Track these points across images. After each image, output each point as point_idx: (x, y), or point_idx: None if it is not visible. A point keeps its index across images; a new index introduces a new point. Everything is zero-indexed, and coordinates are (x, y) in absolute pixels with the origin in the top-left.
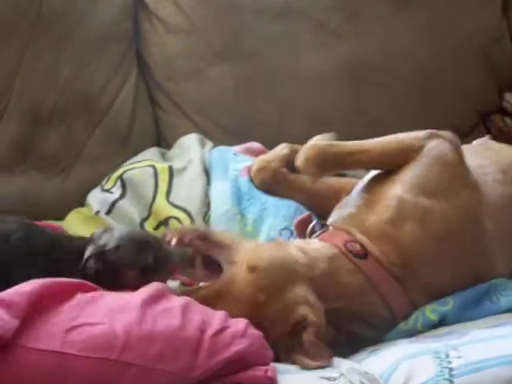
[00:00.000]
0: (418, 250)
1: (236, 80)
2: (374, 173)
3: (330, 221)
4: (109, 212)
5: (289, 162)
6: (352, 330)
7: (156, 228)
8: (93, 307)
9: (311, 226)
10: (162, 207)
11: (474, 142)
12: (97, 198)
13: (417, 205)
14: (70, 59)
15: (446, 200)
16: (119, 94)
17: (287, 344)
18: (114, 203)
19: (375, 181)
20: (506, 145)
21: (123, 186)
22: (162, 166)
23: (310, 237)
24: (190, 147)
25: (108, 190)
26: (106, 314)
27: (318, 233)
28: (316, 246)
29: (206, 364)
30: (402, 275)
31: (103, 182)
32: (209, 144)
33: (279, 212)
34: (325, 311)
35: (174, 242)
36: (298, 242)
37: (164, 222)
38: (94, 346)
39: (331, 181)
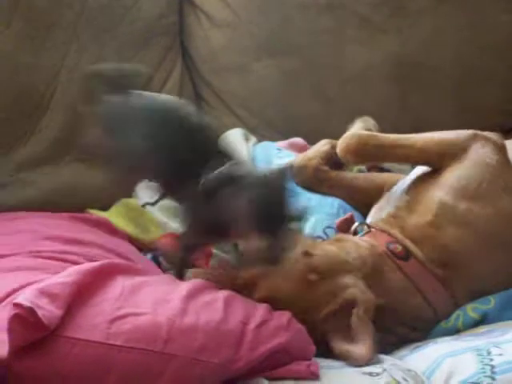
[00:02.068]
0: (459, 252)
1: (281, 74)
2: (416, 173)
3: (370, 219)
4: (155, 203)
5: (330, 159)
6: (395, 332)
7: None
8: (137, 297)
9: (354, 227)
10: None
11: None
12: (144, 189)
13: (458, 207)
14: (114, 52)
15: (488, 203)
16: (164, 87)
17: (334, 325)
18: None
19: (417, 181)
20: None
21: None
22: None
23: None
24: (235, 143)
25: None
26: (150, 304)
27: (360, 234)
28: (363, 245)
29: (248, 356)
30: (444, 276)
31: None
32: (252, 139)
33: (323, 210)
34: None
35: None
36: (349, 238)
37: None
38: (138, 337)
39: (372, 176)
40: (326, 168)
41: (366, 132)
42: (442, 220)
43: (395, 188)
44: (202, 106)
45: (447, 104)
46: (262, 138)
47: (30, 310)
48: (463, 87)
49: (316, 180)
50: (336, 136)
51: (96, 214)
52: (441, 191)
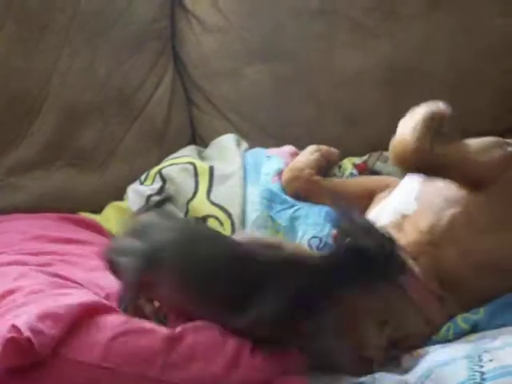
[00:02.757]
0: (457, 275)
1: (272, 79)
2: (426, 180)
3: None
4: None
5: (320, 167)
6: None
7: None
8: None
9: None
10: (202, 204)
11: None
12: (135, 192)
13: (469, 237)
14: (106, 56)
15: (501, 235)
16: (155, 92)
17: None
18: (151, 198)
19: (429, 191)
20: None
21: (163, 181)
22: (203, 166)
23: None
24: (228, 149)
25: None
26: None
27: None
28: None
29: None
30: (442, 294)
31: (142, 178)
32: (244, 145)
33: (309, 220)
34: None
35: None
36: None
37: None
38: (135, 361)
39: (363, 181)
40: (317, 178)
41: (429, 147)
42: (446, 241)
43: (400, 191)
44: (193, 111)
45: None
46: (253, 142)
47: (27, 338)
48: (456, 92)
49: (308, 191)
50: (328, 140)
51: (86, 216)
52: (457, 213)
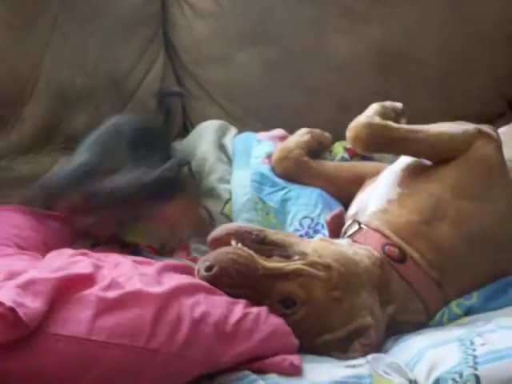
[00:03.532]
0: (453, 251)
1: (263, 64)
2: (405, 163)
3: (354, 209)
4: None
5: (311, 149)
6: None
7: None
8: (120, 292)
9: (346, 225)
10: None
11: (501, 130)
12: None
13: (455, 206)
14: (97, 41)
15: (484, 204)
16: (146, 77)
17: (332, 343)
18: None
19: (410, 172)
20: None
21: None
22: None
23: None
24: (200, 135)
25: None
26: (132, 300)
27: (350, 232)
28: (362, 251)
29: (231, 351)
30: (440, 278)
31: None
32: (233, 130)
33: (301, 200)
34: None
35: (233, 244)
36: (346, 243)
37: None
38: (122, 333)
39: (355, 165)
40: (306, 159)
41: (379, 122)
42: (436, 217)
43: (383, 179)
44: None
45: (431, 94)
46: (245, 127)
47: (11, 310)
48: (447, 77)
49: (297, 171)
50: (319, 124)
51: None
52: (439, 187)
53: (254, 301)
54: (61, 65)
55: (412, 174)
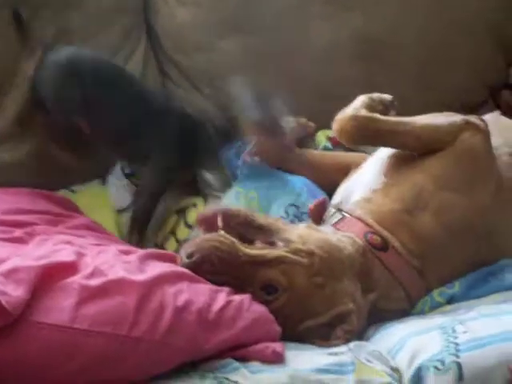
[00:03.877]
0: (434, 241)
1: (246, 52)
2: (389, 152)
3: (338, 199)
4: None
5: (296, 137)
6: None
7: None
8: (103, 280)
9: (330, 214)
10: None
11: (486, 117)
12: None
13: (437, 197)
14: (78, 29)
15: (467, 195)
16: (127, 64)
17: (319, 332)
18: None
19: (395, 162)
20: None
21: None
22: None
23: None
24: None
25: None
26: (115, 288)
27: (333, 220)
28: (345, 239)
29: (214, 339)
30: (421, 267)
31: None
32: None
33: (286, 189)
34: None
35: (220, 224)
36: (330, 230)
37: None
38: (105, 321)
39: (340, 155)
40: (292, 145)
41: (365, 114)
42: (419, 207)
43: (368, 168)
44: (167, 84)
45: (413, 81)
46: None
47: None
48: (428, 65)
49: (282, 158)
50: (301, 113)
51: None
52: (423, 177)
53: (237, 288)
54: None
55: (397, 164)
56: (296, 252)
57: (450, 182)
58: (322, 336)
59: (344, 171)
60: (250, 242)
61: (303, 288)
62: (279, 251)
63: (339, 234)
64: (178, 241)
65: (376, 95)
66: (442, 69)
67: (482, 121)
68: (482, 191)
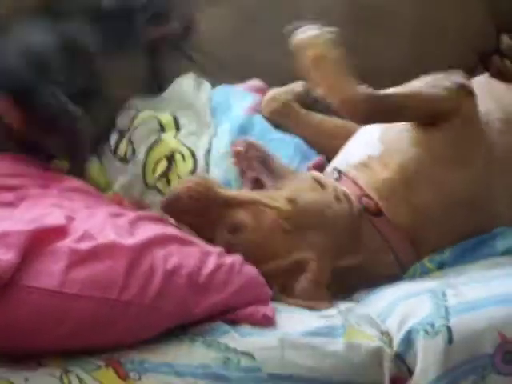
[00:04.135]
0: (428, 214)
1: (237, 17)
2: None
3: (336, 163)
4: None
5: (302, 101)
6: (358, 287)
7: (158, 161)
8: (93, 244)
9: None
10: (169, 140)
11: (476, 79)
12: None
13: (435, 170)
14: None
15: (463, 168)
16: None
17: (284, 280)
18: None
19: (392, 133)
20: (508, 85)
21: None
22: (167, 118)
23: None
24: (188, 93)
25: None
26: (105, 252)
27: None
28: (342, 198)
29: (204, 302)
30: (412, 235)
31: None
32: (206, 85)
33: (279, 152)
34: (339, 267)
35: (240, 150)
36: (332, 184)
37: (169, 157)
38: (94, 285)
39: (342, 121)
40: (295, 104)
41: (378, 92)
42: (415, 179)
43: (366, 134)
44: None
45: (403, 47)
46: (216, 81)
47: None
48: (420, 31)
49: (284, 115)
50: (294, 79)
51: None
52: (421, 149)
53: (208, 229)
54: None
55: (394, 133)
56: (274, 197)
57: (452, 158)
58: (285, 287)
59: (345, 136)
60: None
61: (268, 229)
62: (253, 194)
63: (338, 189)
64: None
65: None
66: (433, 35)
67: (468, 79)
68: (475, 162)
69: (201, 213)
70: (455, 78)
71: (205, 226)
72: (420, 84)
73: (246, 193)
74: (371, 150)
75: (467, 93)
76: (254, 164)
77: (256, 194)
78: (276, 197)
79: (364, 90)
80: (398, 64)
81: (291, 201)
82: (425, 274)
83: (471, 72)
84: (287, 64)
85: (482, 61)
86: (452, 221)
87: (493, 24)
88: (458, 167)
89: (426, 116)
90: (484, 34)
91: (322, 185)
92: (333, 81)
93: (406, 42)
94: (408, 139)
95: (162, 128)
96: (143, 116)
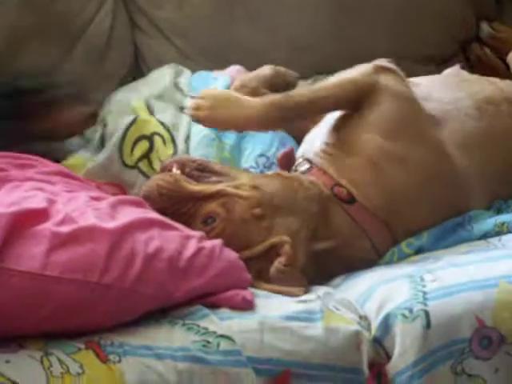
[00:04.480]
0: (399, 193)
1: (218, 3)
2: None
3: (303, 151)
4: None
5: (272, 84)
6: (335, 273)
7: (136, 141)
8: (74, 227)
9: (297, 163)
10: (148, 120)
11: (446, 72)
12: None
13: (389, 147)
14: None
15: (415, 137)
16: (97, 15)
17: (259, 266)
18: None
19: (345, 118)
20: (479, 76)
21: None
22: (139, 104)
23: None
24: (164, 79)
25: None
26: (86, 235)
27: (301, 170)
28: (309, 186)
29: (184, 286)
30: (387, 219)
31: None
32: (187, 72)
33: (256, 139)
34: (313, 251)
35: (174, 170)
36: (296, 175)
37: (149, 137)
38: (75, 268)
39: None
40: (264, 91)
41: (278, 96)
42: (378, 161)
43: (324, 122)
44: (137, 35)
45: (382, 33)
46: (198, 67)
47: None
48: (398, 17)
49: None
50: (274, 64)
51: None
52: (369, 133)
53: (184, 224)
54: (9, 4)
55: (347, 120)
56: (238, 186)
57: (395, 130)
58: (261, 272)
59: (314, 120)
60: (204, 182)
61: (240, 218)
62: (220, 186)
63: (300, 179)
64: None
65: (282, 69)
66: (413, 22)
67: (390, 62)
68: (429, 131)
69: (173, 208)
70: (375, 62)
71: (179, 219)
72: (338, 75)
73: (213, 185)
74: (328, 138)
75: (383, 69)
76: (195, 174)
77: (222, 185)
78: (239, 186)
79: (267, 99)
80: (377, 53)
81: (255, 187)
82: (402, 258)
83: (450, 60)
84: (265, 49)
85: (463, 49)
86: (424, 199)
87: (472, 11)
88: (414, 141)
89: (345, 101)
90: (464, 21)
91: (283, 176)
92: (232, 117)
93: (384, 29)
94: (356, 125)
95: (134, 112)
96: (117, 99)
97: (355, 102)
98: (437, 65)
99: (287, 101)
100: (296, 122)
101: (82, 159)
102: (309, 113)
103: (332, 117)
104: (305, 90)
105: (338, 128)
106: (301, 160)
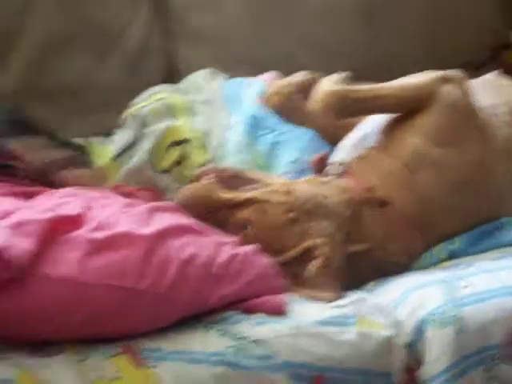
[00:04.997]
0: (433, 198)
1: (252, 10)
2: (382, 116)
3: (339, 155)
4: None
5: (306, 89)
6: (367, 276)
7: (170, 147)
8: (109, 233)
9: (330, 167)
10: (182, 127)
11: (485, 77)
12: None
13: (431, 153)
14: None
15: (459, 149)
16: (132, 22)
17: (293, 271)
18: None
19: (391, 123)
20: None
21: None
22: (181, 104)
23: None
24: (201, 81)
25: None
26: (121, 241)
27: (336, 173)
28: (342, 190)
29: (218, 292)
30: (419, 223)
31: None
32: (220, 76)
33: (292, 144)
34: (346, 254)
35: (208, 178)
36: (328, 180)
37: (182, 144)
38: (110, 274)
39: None
40: (299, 97)
41: (342, 87)
42: (416, 167)
43: (368, 126)
44: (172, 42)
45: (415, 41)
46: (232, 74)
47: (2, 250)
48: (430, 24)
49: (287, 108)
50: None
51: None
52: (415, 137)
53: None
54: (45, 11)
55: (395, 124)
56: (271, 192)
57: (441, 138)
58: (296, 277)
59: (348, 127)
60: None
61: (274, 223)
62: (251, 193)
63: (333, 183)
64: None
65: (315, 75)
66: (444, 30)
67: (461, 74)
68: (472, 144)
69: (206, 217)
70: (443, 71)
71: (213, 227)
72: (404, 78)
73: (246, 192)
74: (370, 142)
75: (447, 79)
76: (229, 182)
77: (255, 192)
78: (272, 192)
79: (332, 86)
80: (410, 62)
81: (288, 192)
82: (435, 263)
83: (481, 67)
84: (299, 56)
85: (494, 56)
86: (456, 204)
87: (503, 19)
88: (453, 148)
89: (403, 104)
90: (495, 29)
91: (316, 180)
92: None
93: (415, 36)
94: (401, 129)
95: (174, 113)
96: (156, 98)
97: (412, 107)
98: (469, 71)
99: (351, 92)
100: (348, 118)
101: (116, 164)
102: (367, 109)
103: (373, 122)
104: (366, 86)
105: (384, 131)
106: (334, 164)
